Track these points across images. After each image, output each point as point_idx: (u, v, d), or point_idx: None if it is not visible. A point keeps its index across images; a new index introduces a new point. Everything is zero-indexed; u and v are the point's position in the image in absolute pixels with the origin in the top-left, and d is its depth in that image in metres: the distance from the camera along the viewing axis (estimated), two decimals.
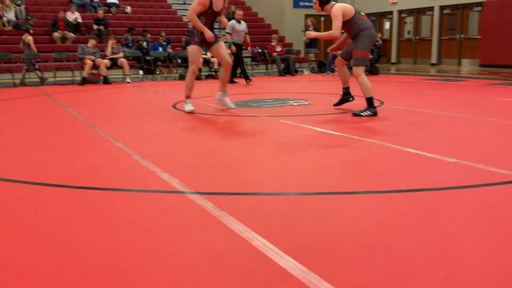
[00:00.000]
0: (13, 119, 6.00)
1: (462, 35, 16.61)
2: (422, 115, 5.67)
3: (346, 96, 6.14)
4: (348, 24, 5.44)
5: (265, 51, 13.62)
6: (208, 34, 5.72)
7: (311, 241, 2.08)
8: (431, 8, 17.38)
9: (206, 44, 5.96)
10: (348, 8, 5.42)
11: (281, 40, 15.54)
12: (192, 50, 5.84)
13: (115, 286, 1.72)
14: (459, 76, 11.95)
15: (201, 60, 5.92)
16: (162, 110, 6.46)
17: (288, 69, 13.22)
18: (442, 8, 17.05)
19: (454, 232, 2.16)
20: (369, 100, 5.46)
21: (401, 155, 3.66)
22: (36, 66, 11.05)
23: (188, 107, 5.94)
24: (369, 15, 20.05)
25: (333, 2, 5.57)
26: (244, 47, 11.68)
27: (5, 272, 1.84)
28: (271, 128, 4.94)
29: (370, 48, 5.58)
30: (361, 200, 2.67)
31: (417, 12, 18.10)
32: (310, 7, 18.95)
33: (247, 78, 10.87)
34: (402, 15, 18.75)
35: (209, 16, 5.75)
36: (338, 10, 5.32)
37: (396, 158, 3.58)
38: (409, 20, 18.55)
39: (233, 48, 10.52)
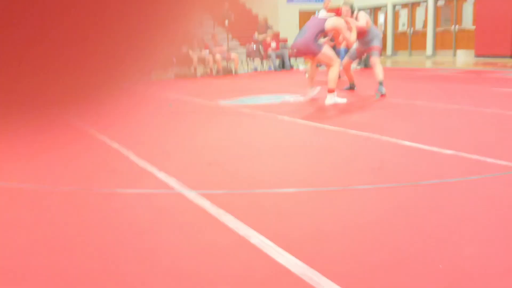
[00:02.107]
0: None
1: (457, 26, 16.62)
2: (417, 107, 5.67)
3: (352, 85, 7.45)
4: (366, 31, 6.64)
5: (260, 47, 13.58)
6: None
7: (309, 237, 2.07)
8: (425, 0, 17.37)
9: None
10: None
11: (275, 36, 15.50)
12: (328, 49, 6.22)
13: (114, 286, 1.72)
14: (455, 68, 11.95)
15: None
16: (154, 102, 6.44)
17: (283, 65, 13.20)
18: None
19: (453, 225, 2.16)
20: (381, 82, 6.75)
21: (397, 148, 3.66)
22: None
23: (339, 99, 6.11)
24: (363, 8, 20.06)
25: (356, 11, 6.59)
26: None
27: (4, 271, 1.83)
28: (267, 124, 4.93)
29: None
30: (358, 194, 2.67)
31: (411, 4, 18.10)
32: (304, 1, 18.97)
33: None
34: (396, 7, 18.74)
35: None
36: (364, 18, 6.51)
37: (392, 151, 3.58)
38: (403, 12, 18.55)
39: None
